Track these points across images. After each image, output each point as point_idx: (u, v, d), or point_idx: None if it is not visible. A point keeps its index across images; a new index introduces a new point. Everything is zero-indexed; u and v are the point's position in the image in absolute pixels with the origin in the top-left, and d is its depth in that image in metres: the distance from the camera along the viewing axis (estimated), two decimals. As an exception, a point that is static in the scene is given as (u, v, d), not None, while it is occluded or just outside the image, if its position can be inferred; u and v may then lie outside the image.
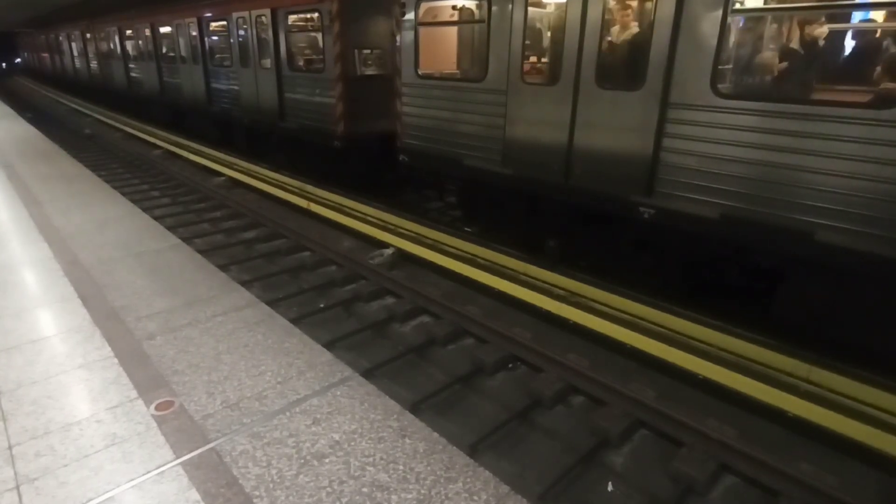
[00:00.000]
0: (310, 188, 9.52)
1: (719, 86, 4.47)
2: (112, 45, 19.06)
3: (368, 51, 8.95)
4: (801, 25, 4.63)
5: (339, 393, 3.16)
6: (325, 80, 9.03)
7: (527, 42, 5.79)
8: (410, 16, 6.94)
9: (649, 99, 4.81)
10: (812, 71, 4.64)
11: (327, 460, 2.65)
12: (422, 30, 6.97)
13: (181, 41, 13.69)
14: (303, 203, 9.05)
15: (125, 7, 17.11)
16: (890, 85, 4.11)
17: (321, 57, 9.18)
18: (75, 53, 24.67)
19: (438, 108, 6.89)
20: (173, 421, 2.92)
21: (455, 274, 6.37)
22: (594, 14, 5.04)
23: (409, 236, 7.18)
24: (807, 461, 3.52)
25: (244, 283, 5.46)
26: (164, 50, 15.12)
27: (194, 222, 8.82)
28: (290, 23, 9.64)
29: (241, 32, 11.01)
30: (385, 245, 7.17)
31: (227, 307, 4.22)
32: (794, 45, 4.79)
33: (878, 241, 3.84)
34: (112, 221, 6.35)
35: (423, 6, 6.85)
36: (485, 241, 6.72)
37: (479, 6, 6.36)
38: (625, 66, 5.22)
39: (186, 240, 6.54)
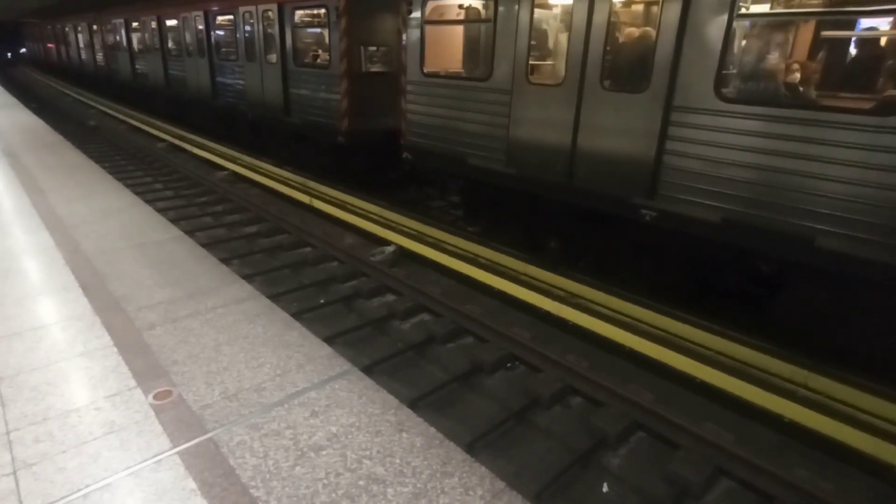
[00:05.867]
0: (313, 184, 9.55)
1: (723, 90, 4.48)
2: (118, 38, 19.09)
3: (374, 48, 8.95)
4: (807, 31, 4.63)
5: (337, 387, 3.17)
6: (331, 76, 9.03)
7: (532, 43, 5.80)
8: (417, 14, 6.95)
9: (653, 101, 4.81)
10: (816, 76, 4.64)
11: (324, 452, 2.66)
12: (428, 28, 6.97)
13: (187, 35, 13.72)
14: (305, 199, 9.06)
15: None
16: (895, 92, 4.11)
17: (327, 53, 9.20)
18: (81, 45, 24.71)
19: (443, 106, 6.89)
20: (171, 410, 2.93)
21: (456, 272, 6.38)
22: (600, 16, 5.04)
23: (411, 234, 7.19)
24: (803, 466, 3.53)
25: (245, 277, 5.47)
26: (170, 43, 15.15)
27: (197, 215, 8.84)
28: (296, 18, 9.65)
29: (248, 27, 11.02)
30: (387, 242, 7.18)
31: (228, 299, 4.23)
32: (799, 50, 4.79)
33: (880, 247, 3.84)
34: (115, 212, 6.37)
35: (430, 4, 6.85)
36: (486, 241, 6.73)
37: (485, 6, 6.36)
38: (629, 69, 5.22)
39: (189, 232, 6.55)
